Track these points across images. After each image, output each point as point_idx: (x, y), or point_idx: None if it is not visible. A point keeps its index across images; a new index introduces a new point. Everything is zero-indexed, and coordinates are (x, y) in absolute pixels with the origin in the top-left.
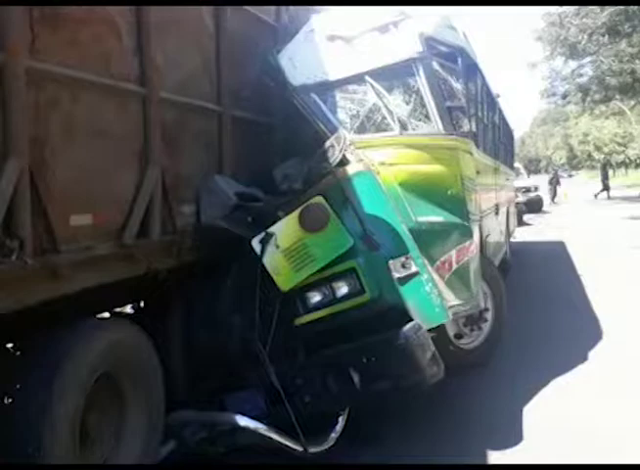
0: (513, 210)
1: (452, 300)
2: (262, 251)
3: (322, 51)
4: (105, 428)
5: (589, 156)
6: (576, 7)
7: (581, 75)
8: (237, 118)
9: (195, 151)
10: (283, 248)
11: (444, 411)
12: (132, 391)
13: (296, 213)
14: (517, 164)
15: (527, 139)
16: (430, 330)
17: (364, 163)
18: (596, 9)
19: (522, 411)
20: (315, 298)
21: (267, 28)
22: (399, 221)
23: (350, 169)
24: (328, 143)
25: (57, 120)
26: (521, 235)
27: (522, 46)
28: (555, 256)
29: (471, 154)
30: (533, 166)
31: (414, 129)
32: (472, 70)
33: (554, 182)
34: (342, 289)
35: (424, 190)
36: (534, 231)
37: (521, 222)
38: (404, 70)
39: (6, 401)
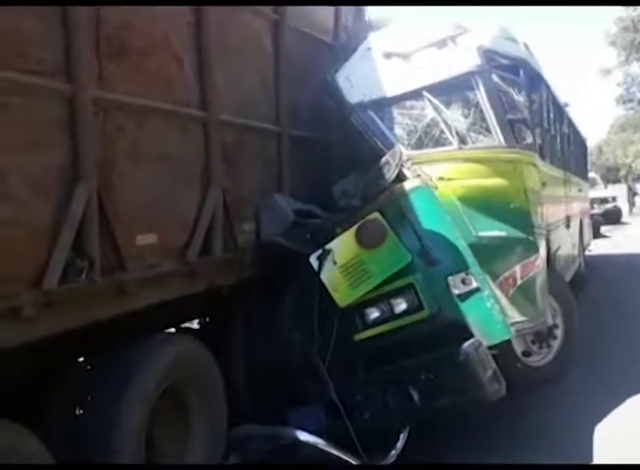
0: (587, 221)
1: (516, 316)
2: (320, 267)
3: (379, 68)
4: (170, 439)
5: None
6: None
7: None
8: (295, 137)
9: (254, 170)
10: (340, 264)
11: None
12: (196, 404)
13: (352, 230)
14: (592, 175)
15: (605, 147)
16: (495, 347)
17: (421, 178)
18: None
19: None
20: (374, 314)
21: (325, 48)
22: (458, 237)
23: (407, 185)
24: (384, 159)
25: (123, 146)
26: (597, 247)
27: (595, 51)
28: (631, 268)
29: (535, 166)
30: (612, 176)
31: (474, 143)
32: (535, 82)
33: (631, 193)
34: (401, 305)
35: (484, 204)
36: (611, 243)
37: (597, 234)
38: (463, 84)
39: (77, 414)
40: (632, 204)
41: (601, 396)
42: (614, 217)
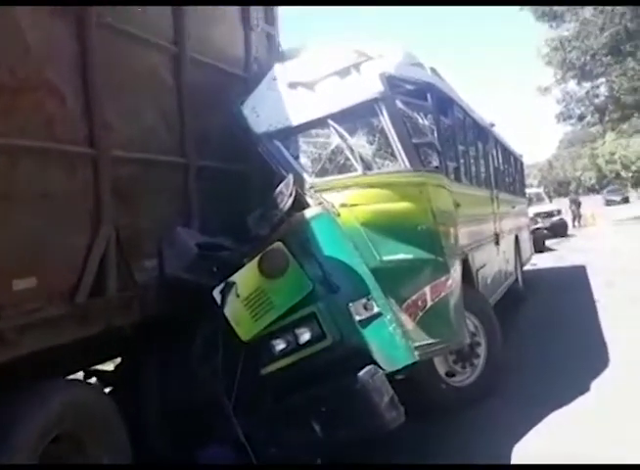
0: (526, 236)
1: (424, 339)
2: (223, 301)
3: (284, 98)
4: None
5: (617, 175)
6: (576, 30)
7: (597, 96)
8: (205, 169)
9: (156, 204)
10: (243, 297)
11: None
12: (95, 448)
13: (255, 261)
14: (537, 190)
15: (555, 162)
16: (400, 372)
17: (323, 205)
18: (595, 31)
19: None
20: (280, 345)
21: (236, 79)
22: (360, 262)
23: (308, 213)
24: (278, 189)
25: None
26: (542, 261)
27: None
28: (572, 281)
29: (444, 188)
30: (564, 190)
31: (379, 168)
32: (444, 105)
33: (574, 206)
34: (305, 335)
35: (389, 228)
36: (556, 256)
37: (543, 248)
38: (367, 111)
39: None
40: (578, 216)
41: (522, 414)
42: (560, 230)
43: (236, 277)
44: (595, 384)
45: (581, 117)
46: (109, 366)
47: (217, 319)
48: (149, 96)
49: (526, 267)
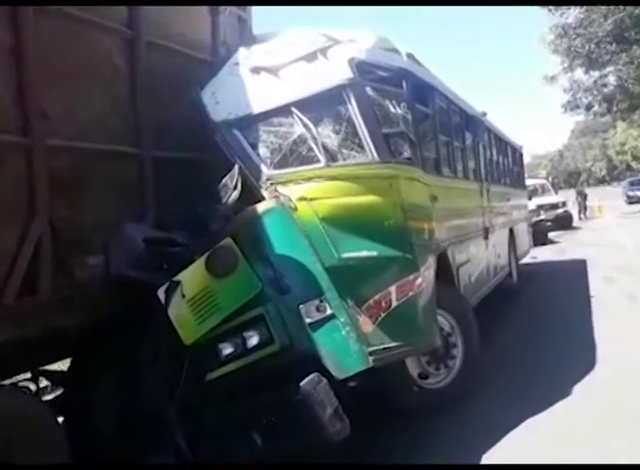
0: (524, 229)
1: (384, 342)
2: (167, 301)
3: (247, 84)
4: None
5: (628, 166)
6: (579, 17)
7: (605, 85)
8: (163, 159)
9: (105, 197)
10: (188, 297)
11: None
12: (30, 457)
13: (202, 259)
14: (542, 181)
15: (566, 152)
16: (352, 379)
17: (278, 199)
18: (599, 18)
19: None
20: (226, 349)
21: (201, 64)
22: (314, 261)
23: (261, 208)
24: (222, 182)
25: None
26: (542, 254)
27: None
28: (570, 276)
29: (418, 180)
30: (574, 180)
31: (345, 160)
32: (422, 92)
33: (580, 197)
34: (253, 339)
35: (353, 224)
36: (558, 249)
37: (546, 240)
38: (333, 99)
39: None
40: (584, 208)
41: (496, 420)
42: (564, 223)
43: (182, 276)
44: (578, 387)
45: (589, 107)
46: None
47: (164, 321)
48: (97, 83)
49: (526, 261)
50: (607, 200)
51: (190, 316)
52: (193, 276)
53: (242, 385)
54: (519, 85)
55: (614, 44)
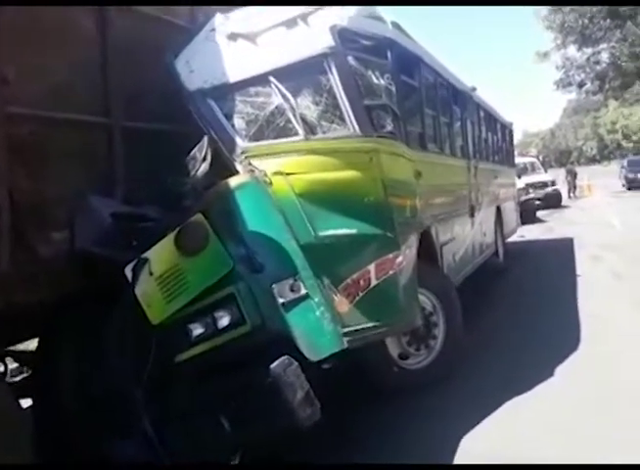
0: (511, 207)
1: (361, 322)
2: (134, 279)
3: (223, 51)
4: None
5: (619, 145)
6: None
7: (598, 63)
8: (134, 130)
9: (71, 169)
10: (157, 275)
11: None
12: None
13: (172, 235)
14: (531, 159)
15: (558, 131)
16: (326, 361)
17: (252, 173)
18: None
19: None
20: (197, 330)
21: (177, 31)
22: (289, 238)
23: (233, 182)
24: (191, 154)
25: None
26: (530, 233)
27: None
28: (558, 254)
29: (401, 155)
30: (565, 159)
31: (325, 133)
32: (408, 64)
33: (570, 176)
34: (224, 319)
35: (331, 200)
36: (545, 228)
37: (534, 219)
38: (314, 68)
39: None
40: (574, 187)
41: (477, 401)
42: (554, 201)
43: (150, 253)
44: (560, 368)
45: (581, 85)
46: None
47: (131, 299)
48: (63, 48)
49: (514, 239)
50: (597, 179)
51: (158, 295)
52: (161, 253)
53: (212, 367)
54: (511, 62)
55: (607, 20)
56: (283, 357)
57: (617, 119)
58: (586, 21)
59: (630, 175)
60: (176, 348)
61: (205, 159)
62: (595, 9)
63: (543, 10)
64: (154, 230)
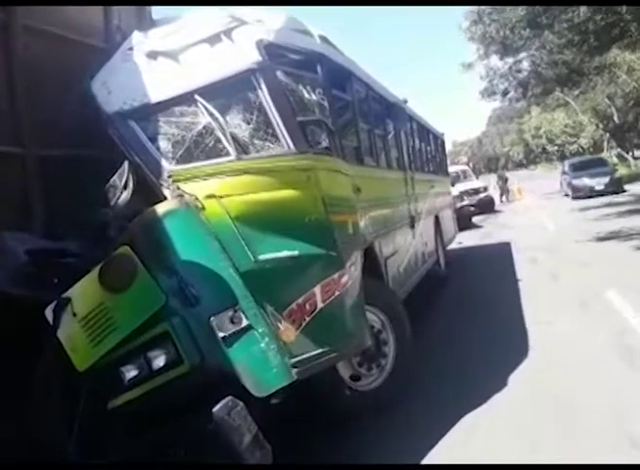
0: (449, 215)
1: (310, 350)
2: (56, 321)
3: (143, 70)
4: None
5: (544, 149)
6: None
7: (520, 71)
8: (51, 159)
9: None
10: (81, 316)
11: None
12: None
13: (95, 271)
14: (463, 167)
15: (484, 139)
16: (275, 396)
17: (181, 198)
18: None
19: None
20: (130, 373)
21: (92, 52)
22: (226, 266)
23: (161, 209)
24: (110, 182)
25: None
26: (468, 239)
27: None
28: (497, 259)
29: (339, 171)
30: (493, 165)
31: (258, 152)
32: (339, 78)
33: (501, 181)
34: (159, 359)
35: (269, 222)
36: (483, 234)
37: (469, 225)
38: (242, 84)
39: None
40: (506, 191)
41: (435, 418)
42: (487, 207)
43: (72, 292)
44: (512, 377)
45: (505, 93)
46: None
47: (55, 344)
48: None
49: (452, 246)
50: (526, 182)
51: (83, 338)
52: (85, 292)
53: (149, 413)
54: (438, 74)
55: (527, 29)
56: (227, 399)
57: (540, 125)
58: (507, 31)
59: (576, 182)
60: (109, 393)
61: (125, 186)
62: (515, 19)
63: (465, 22)
64: (76, 266)
